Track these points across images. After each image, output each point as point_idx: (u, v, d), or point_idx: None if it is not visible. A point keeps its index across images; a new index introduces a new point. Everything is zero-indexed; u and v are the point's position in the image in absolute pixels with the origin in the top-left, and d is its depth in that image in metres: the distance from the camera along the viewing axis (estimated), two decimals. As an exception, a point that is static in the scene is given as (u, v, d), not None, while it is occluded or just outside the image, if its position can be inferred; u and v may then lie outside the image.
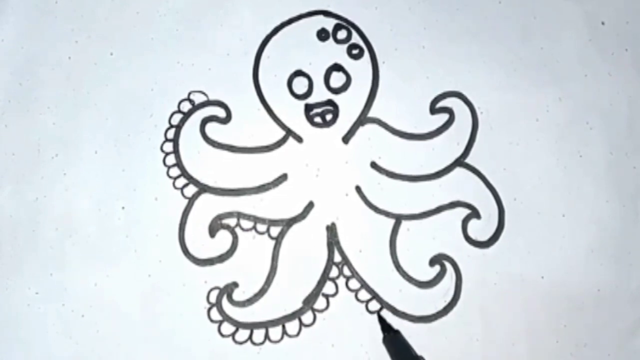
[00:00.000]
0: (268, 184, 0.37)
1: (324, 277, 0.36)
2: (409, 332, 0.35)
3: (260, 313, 0.36)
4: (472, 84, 0.39)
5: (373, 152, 0.38)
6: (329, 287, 0.36)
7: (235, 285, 0.36)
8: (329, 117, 0.38)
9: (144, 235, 0.36)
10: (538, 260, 0.36)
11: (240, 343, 0.35)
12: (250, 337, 0.35)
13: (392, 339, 0.33)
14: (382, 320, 0.35)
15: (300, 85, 0.38)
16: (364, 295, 0.36)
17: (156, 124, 0.38)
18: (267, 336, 0.35)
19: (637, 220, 0.37)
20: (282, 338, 0.35)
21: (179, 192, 0.37)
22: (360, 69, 0.39)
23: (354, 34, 0.39)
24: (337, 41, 0.39)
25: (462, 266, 0.36)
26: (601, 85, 0.39)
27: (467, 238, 0.37)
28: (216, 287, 0.36)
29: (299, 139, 0.38)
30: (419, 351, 0.33)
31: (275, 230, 0.37)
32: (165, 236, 0.36)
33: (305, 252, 0.36)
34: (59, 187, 0.37)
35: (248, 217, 0.37)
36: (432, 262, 0.36)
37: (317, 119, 0.38)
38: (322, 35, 0.39)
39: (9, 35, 0.39)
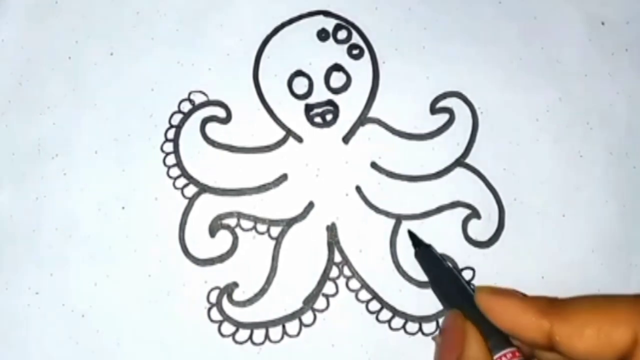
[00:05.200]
0: (268, 184, 0.37)
1: (324, 277, 0.36)
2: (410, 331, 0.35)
3: (261, 313, 0.35)
4: (472, 84, 0.39)
5: (373, 152, 0.38)
6: (329, 287, 0.36)
7: (235, 285, 0.36)
8: (329, 117, 0.38)
9: (144, 235, 0.36)
10: (538, 260, 0.36)
11: (241, 343, 0.35)
12: (250, 337, 0.35)
13: (424, 253, 0.33)
14: (412, 236, 0.35)
15: (300, 85, 0.38)
16: (364, 295, 0.36)
17: (156, 124, 0.38)
18: (267, 336, 0.35)
19: (637, 220, 0.37)
20: (282, 338, 0.35)
21: (179, 192, 0.37)
22: (360, 69, 0.39)
23: (354, 34, 0.39)
24: (337, 41, 0.39)
25: (462, 266, 0.36)
26: (601, 85, 0.39)
27: (467, 238, 0.37)
28: (216, 287, 0.36)
29: (299, 139, 0.38)
30: (417, 354, 0.33)
31: (275, 230, 0.37)
32: (165, 236, 0.36)
33: (305, 252, 0.36)
34: (59, 187, 0.37)
35: (248, 217, 0.37)
36: (433, 262, 0.36)
37: (317, 119, 0.38)
38: (322, 35, 0.39)
39: (9, 35, 0.39)
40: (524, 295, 0.26)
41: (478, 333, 0.26)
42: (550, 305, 0.25)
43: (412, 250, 0.35)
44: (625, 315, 0.23)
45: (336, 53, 0.39)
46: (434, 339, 0.34)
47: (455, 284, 0.31)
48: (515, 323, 0.25)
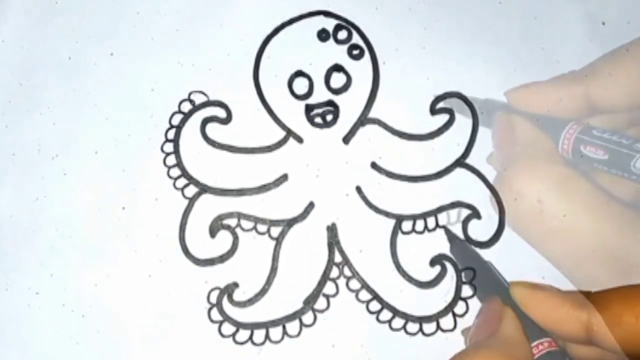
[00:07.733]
0: (269, 184, 0.37)
1: (325, 278, 0.36)
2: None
3: (261, 313, 0.35)
4: (472, 84, 0.39)
5: (373, 152, 0.38)
6: (329, 288, 0.36)
7: (235, 285, 0.36)
8: (329, 117, 0.38)
9: (144, 235, 0.36)
10: (538, 260, 0.36)
11: (241, 343, 0.35)
12: (250, 338, 0.35)
13: (459, 247, 0.34)
14: (447, 232, 0.35)
15: (300, 85, 0.38)
16: (364, 295, 0.36)
17: (156, 124, 0.38)
18: (267, 336, 0.35)
19: (637, 220, 0.37)
20: (282, 338, 0.35)
21: (179, 192, 0.37)
22: (360, 70, 0.39)
23: (355, 35, 0.39)
24: (338, 41, 0.39)
25: (462, 266, 0.36)
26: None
27: (468, 238, 0.37)
28: (217, 288, 0.36)
29: (300, 140, 0.38)
30: (416, 355, 0.33)
31: (275, 231, 0.37)
32: (165, 236, 0.36)
33: (305, 253, 0.36)
34: (59, 187, 0.37)
35: (248, 217, 0.37)
36: (433, 262, 0.36)
37: (318, 120, 0.38)
38: (323, 35, 0.39)
39: (9, 35, 0.39)
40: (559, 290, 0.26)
41: (515, 316, 0.26)
42: (586, 298, 0.25)
43: (412, 251, 0.35)
44: None
45: (336, 53, 0.39)
46: (462, 332, 0.33)
47: (491, 277, 0.31)
48: (553, 316, 0.25)
